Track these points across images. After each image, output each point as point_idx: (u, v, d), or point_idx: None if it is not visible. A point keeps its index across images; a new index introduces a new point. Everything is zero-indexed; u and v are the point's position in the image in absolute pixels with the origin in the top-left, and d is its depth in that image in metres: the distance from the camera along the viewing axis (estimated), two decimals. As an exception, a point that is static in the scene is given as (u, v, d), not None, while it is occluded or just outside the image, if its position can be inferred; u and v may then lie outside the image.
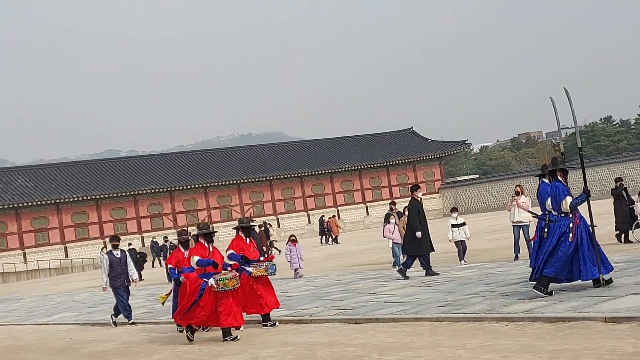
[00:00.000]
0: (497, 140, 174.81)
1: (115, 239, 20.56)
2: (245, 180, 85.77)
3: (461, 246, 23.93)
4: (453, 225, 24.01)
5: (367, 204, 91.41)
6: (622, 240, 23.96)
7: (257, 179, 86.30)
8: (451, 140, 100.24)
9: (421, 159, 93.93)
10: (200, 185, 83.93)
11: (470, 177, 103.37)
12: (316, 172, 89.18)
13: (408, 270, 21.15)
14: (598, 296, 12.99)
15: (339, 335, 13.43)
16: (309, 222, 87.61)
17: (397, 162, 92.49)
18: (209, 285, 14.63)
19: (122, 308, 19.98)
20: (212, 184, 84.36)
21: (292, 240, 27.68)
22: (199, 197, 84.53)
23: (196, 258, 14.89)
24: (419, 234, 21.22)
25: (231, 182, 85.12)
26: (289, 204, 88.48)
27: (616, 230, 24.35)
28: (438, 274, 20.78)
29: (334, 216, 65.09)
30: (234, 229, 16.79)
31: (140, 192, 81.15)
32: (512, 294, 14.80)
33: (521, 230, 22.99)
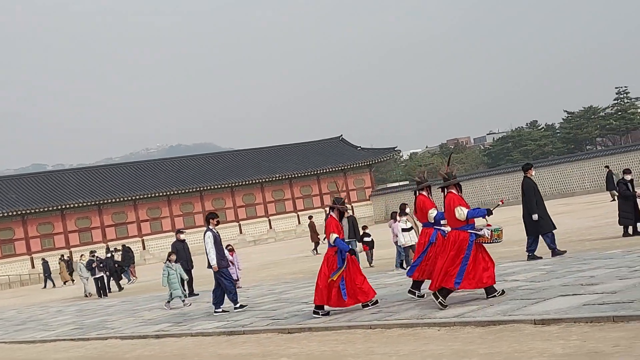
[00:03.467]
0: (426, 147, 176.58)
1: None
2: (175, 192, 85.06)
3: (410, 251, 23.49)
4: (403, 230, 23.67)
5: (299, 213, 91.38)
6: (624, 234, 23.53)
7: (187, 190, 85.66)
8: (381, 148, 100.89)
9: (351, 166, 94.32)
10: (130, 198, 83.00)
11: (401, 183, 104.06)
12: (247, 182, 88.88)
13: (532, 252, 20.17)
14: (527, 299, 13.13)
15: (272, 346, 13.36)
16: (241, 232, 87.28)
17: (327, 170, 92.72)
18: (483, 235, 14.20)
19: None
20: (141, 197, 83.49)
21: (230, 249, 27.46)
22: (128, 210, 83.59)
23: (465, 210, 14.14)
24: (535, 216, 20.33)
25: (161, 194, 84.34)
26: (220, 214, 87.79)
27: (619, 224, 24.01)
28: (565, 251, 19.99)
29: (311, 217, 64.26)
30: (330, 207, 16.45)
31: (68, 206, 79.90)
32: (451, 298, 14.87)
33: None
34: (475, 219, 14.33)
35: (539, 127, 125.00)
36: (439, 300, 13.79)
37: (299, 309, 17.11)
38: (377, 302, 15.62)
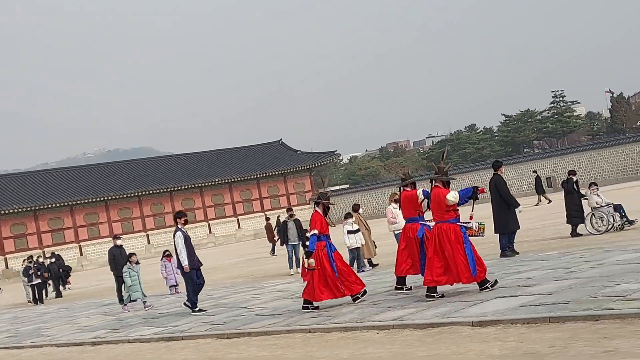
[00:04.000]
0: (366, 150, 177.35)
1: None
2: (113, 197, 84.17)
3: (357, 253, 23.47)
4: (349, 232, 23.54)
5: (239, 217, 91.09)
6: (572, 234, 23.82)
7: (125, 196, 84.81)
8: (321, 152, 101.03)
9: (291, 170, 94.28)
10: (66, 204, 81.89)
11: (341, 187, 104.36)
12: (186, 187, 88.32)
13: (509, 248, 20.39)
14: (465, 301, 13.21)
15: (211, 352, 13.23)
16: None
17: (267, 174, 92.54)
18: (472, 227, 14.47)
19: None
20: (78, 202, 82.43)
21: (167, 255, 27.21)
22: (65, 215, 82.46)
23: (455, 192, 14.42)
24: (520, 208, 20.69)
25: (98, 199, 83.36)
26: (159, 219, 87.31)
27: (568, 224, 24.28)
28: (518, 253, 20.12)
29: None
30: (315, 202, 16.46)
31: (3, 212, 78.52)
32: (382, 302, 14.90)
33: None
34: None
35: (478, 131, 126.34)
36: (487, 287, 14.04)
37: (238, 314, 16.99)
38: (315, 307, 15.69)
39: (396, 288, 16.25)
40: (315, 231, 15.74)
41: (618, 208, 23.52)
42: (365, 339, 11.91)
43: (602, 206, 23.60)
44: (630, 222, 23.33)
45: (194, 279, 18.93)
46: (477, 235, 14.69)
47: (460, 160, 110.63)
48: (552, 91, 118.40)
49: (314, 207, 16.38)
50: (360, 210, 25.35)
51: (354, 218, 24.01)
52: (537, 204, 49.50)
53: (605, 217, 23.39)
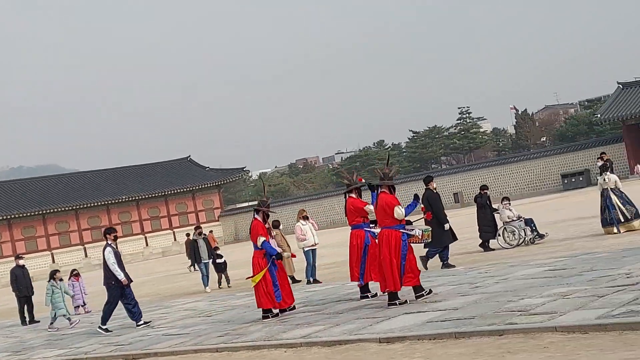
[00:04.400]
0: (275, 167, 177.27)
1: None
2: (16, 216, 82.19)
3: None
4: None
5: (146, 235, 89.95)
6: (485, 248, 24.15)
7: (29, 214, 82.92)
8: (229, 168, 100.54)
9: (200, 187, 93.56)
10: (-32, 222, 79.68)
11: (250, 203, 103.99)
12: (92, 204, 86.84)
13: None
14: (373, 317, 13.24)
15: (115, 373, 12.97)
16: (86, 255, 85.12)
17: (175, 191, 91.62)
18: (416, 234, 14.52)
19: None
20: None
21: (75, 274, 26.65)
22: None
23: (402, 209, 14.46)
24: (447, 225, 20.84)
25: (1, 217, 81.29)
26: (64, 238, 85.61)
27: (480, 238, 24.53)
28: (454, 266, 20.13)
29: (211, 231, 62.63)
30: (255, 209, 16.50)
31: None
32: (290, 319, 14.84)
33: (311, 253, 23.06)
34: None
35: (386, 147, 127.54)
36: (422, 294, 14.32)
37: (145, 334, 16.71)
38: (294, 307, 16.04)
39: (362, 297, 16.20)
40: (264, 238, 15.77)
41: (529, 222, 23.97)
42: (273, 357, 11.84)
43: (513, 220, 24.02)
44: (541, 236, 23.80)
45: (118, 296, 18.60)
46: (421, 242, 14.86)
47: (369, 176, 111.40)
48: (459, 108, 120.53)
49: (254, 215, 16.36)
50: (281, 227, 25.32)
51: (274, 233, 23.93)
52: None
53: (516, 231, 23.81)
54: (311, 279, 22.86)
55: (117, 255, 18.73)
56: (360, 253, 16.02)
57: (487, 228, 24.40)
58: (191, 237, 32.68)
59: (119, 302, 18.69)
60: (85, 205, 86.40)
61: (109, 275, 18.58)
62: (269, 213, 16.54)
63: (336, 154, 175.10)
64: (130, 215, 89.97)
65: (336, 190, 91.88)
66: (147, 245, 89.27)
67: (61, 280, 22.96)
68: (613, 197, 23.09)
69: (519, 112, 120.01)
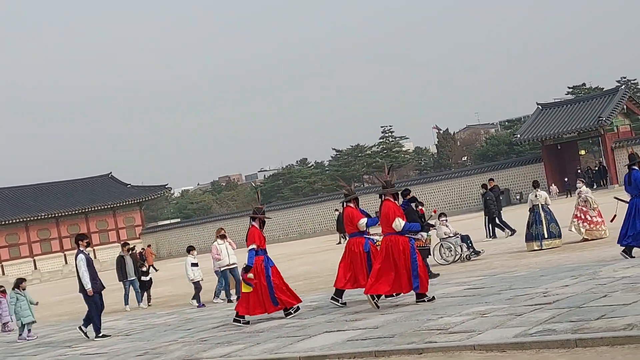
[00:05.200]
0: (198, 184, 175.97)
1: None
2: None
3: (199, 286, 23.12)
4: (192, 264, 23.14)
5: (66, 253, 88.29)
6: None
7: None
8: (151, 185, 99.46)
9: (121, 204, 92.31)
10: None
11: (172, 221, 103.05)
12: (10, 221, 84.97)
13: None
14: (294, 336, 13.21)
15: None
16: (3, 273, 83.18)
17: (96, 208, 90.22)
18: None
19: None
20: None
21: (2, 291, 25.90)
22: None
23: (402, 222, 14.86)
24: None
25: None
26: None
27: None
28: (438, 275, 19.74)
29: (149, 245, 61.44)
30: (251, 217, 16.72)
31: None
32: (210, 338, 14.70)
33: (229, 272, 22.86)
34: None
35: (309, 165, 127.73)
36: (424, 299, 14.63)
37: (62, 353, 16.40)
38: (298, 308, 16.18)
39: (332, 299, 16.40)
40: (254, 245, 15.91)
41: (465, 239, 24.25)
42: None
43: (450, 237, 24.26)
44: (477, 253, 24.09)
45: (97, 303, 18.24)
46: (424, 247, 15.25)
47: (292, 194, 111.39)
48: (382, 127, 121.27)
49: (250, 222, 16.61)
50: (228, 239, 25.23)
51: (196, 251, 23.87)
52: (340, 242, 50.27)
53: (452, 247, 24.06)
54: (226, 298, 22.70)
55: (90, 263, 18.35)
56: (363, 259, 16.16)
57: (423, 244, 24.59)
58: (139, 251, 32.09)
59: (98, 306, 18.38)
60: (2, 222, 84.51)
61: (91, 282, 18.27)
62: (265, 220, 16.88)
63: (259, 171, 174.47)
64: (50, 233, 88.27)
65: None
66: (66, 263, 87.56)
67: (24, 289, 22.19)
68: (542, 213, 23.66)
69: (441, 132, 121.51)
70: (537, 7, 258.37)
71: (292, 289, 16.51)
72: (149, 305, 26.86)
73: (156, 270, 53.77)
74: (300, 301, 16.35)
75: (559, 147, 69.46)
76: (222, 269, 22.81)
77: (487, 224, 32.21)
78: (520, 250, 23.69)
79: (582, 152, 77.58)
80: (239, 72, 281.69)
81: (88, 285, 18.00)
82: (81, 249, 18.45)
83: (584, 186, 25.41)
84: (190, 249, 24.09)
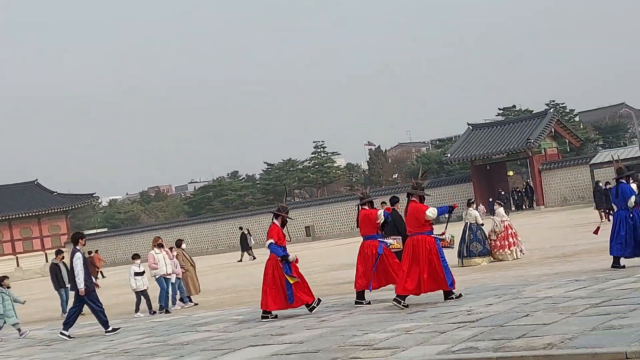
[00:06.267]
0: (127, 194, 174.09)
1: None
2: None
3: (143, 296, 22.68)
4: (136, 274, 22.61)
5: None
6: None
7: None
8: (78, 194, 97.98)
9: (46, 212, 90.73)
10: None
11: (99, 230, 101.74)
12: None
13: None
14: (218, 349, 13.11)
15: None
16: None
17: (20, 215, 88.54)
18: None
19: None
20: None
21: None
22: None
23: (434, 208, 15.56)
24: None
25: None
26: None
27: None
28: None
29: (97, 251, 59.66)
30: (274, 214, 17.07)
31: None
32: (133, 350, 14.51)
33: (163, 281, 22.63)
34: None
35: (240, 178, 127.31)
36: (453, 297, 15.26)
37: (-21, 363, 16.02)
38: (319, 300, 16.56)
39: (356, 302, 16.73)
40: (272, 240, 16.26)
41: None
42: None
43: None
44: None
45: (94, 301, 18.08)
46: (449, 247, 16.00)
47: (222, 207, 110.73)
48: (314, 142, 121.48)
49: (272, 220, 16.92)
50: (183, 246, 24.96)
51: (140, 260, 23.23)
52: (241, 260, 50.33)
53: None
54: (162, 305, 22.42)
55: (85, 262, 18.21)
56: (373, 261, 16.57)
57: None
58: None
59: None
60: None
61: (86, 280, 17.97)
62: (287, 219, 17.13)
63: (189, 183, 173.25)
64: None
65: (189, 220, 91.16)
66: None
67: (9, 287, 21.33)
68: (467, 232, 24.08)
69: (373, 149, 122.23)
70: (467, 29, 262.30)
71: (308, 285, 16.74)
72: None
73: (104, 276, 52.92)
74: (314, 298, 16.49)
75: (488, 168, 70.38)
76: (157, 276, 22.57)
77: None
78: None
79: (511, 173, 78.60)
80: (170, 83, 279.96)
81: (82, 285, 17.79)
82: (78, 247, 18.23)
83: (501, 209, 25.85)
84: (135, 257, 23.46)
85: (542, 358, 9.27)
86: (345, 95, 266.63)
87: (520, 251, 24.73)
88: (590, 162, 64.22)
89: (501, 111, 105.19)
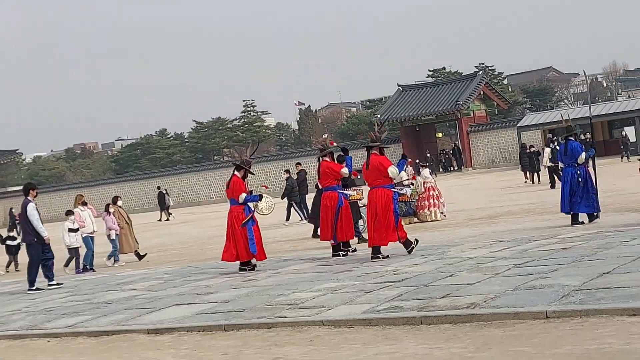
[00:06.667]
0: (52, 150, 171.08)
1: None
2: None
3: (74, 253, 22.33)
4: (70, 230, 22.07)
5: None
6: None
7: None
8: (0, 149, 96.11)
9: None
10: None
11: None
12: None
13: None
14: (143, 308, 12.99)
15: None
16: None
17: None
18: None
19: None
20: None
21: None
22: None
23: (395, 168, 15.75)
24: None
25: None
26: None
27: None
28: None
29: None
30: (236, 166, 16.89)
31: None
32: (56, 308, 14.29)
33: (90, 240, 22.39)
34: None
35: (168, 136, 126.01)
36: (378, 256, 15.44)
37: None
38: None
39: (333, 255, 16.92)
40: (245, 194, 16.26)
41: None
42: (36, 347, 11.40)
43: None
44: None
45: (39, 254, 17.60)
46: (409, 201, 16.57)
47: (150, 165, 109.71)
48: (244, 100, 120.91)
49: (234, 172, 16.71)
50: (120, 203, 24.53)
51: (73, 215, 22.77)
52: (160, 220, 50.33)
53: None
54: (87, 266, 22.16)
55: (38, 212, 17.80)
56: (334, 213, 16.69)
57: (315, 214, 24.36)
58: None
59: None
60: None
61: (31, 233, 17.53)
62: (248, 173, 17.03)
63: (116, 140, 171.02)
64: None
65: (116, 178, 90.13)
66: None
67: None
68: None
69: (303, 108, 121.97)
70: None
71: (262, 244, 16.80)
72: (16, 270, 25.71)
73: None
74: (265, 257, 16.65)
75: (417, 129, 70.93)
76: (84, 235, 22.26)
77: (290, 208, 32.19)
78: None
79: (439, 134, 79.39)
80: (99, 34, 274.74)
81: (45, 233, 17.52)
82: (29, 198, 17.85)
83: (425, 170, 25.99)
84: (68, 213, 22.99)
85: (465, 317, 9.38)
86: (275, 54, 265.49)
87: (442, 213, 24.97)
88: (518, 125, 65.17)
89: (431, 73, 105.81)
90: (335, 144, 18.51)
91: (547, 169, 35.13)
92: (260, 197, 16.59)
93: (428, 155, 65.67)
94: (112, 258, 23.51)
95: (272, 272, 15.60)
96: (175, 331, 10.96)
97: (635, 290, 9.35)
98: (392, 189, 15.74)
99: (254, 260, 16.38)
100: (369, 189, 15.93)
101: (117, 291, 15.67)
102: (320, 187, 18.26)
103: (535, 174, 39.96)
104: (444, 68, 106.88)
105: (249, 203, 16.27)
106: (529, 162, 40.44)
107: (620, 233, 14.95)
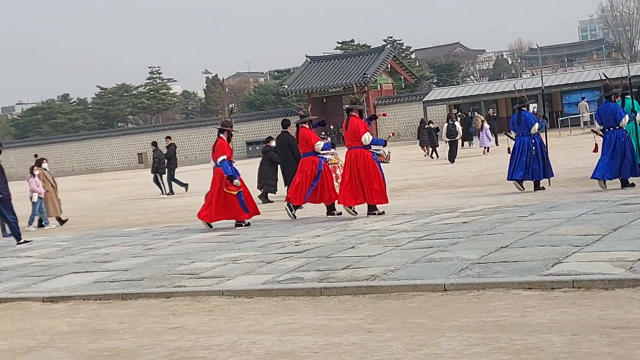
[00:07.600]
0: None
1: None
2: None
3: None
4: None
5: None
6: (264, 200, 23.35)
7: None
8: None
9: None
10: None
11: None
12: None
13: None
14: (38, 276, 12.71)
15: None
16: None
17: None
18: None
19: None
20: None
21: None
22: None
23: (370, 136, 16.10)
24: None
25: None
26: None
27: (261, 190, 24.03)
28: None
29: None
30: (220, 129, 17.26)
31: None
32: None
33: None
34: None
35: (71, 101, 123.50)
36: (377, 212, 16.11)
37: None
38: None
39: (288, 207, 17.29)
40: (225, 157, 16.40)
41: None
42: None
43: None
44: None
45: (10, 211, 17.65)
46: (385, 162, 16.46)
47: (51, 130, 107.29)
48: (149, 67, 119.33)
49: (218, 134, 17.07)
50: (45, 165, 23.73)
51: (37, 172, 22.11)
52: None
53: None
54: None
55: (2, 170, 17.59)
56: (312, 178, 16.86)
57: (270, 181, 24.24)
58: None
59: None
60: None
61: None
62: (232, 133, 17.40)
63: (17, 104, 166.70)
64: None
65: (15, 142, 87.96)
66: None
67: None
68: None
69: (210, 77, 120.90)
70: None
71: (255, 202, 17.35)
72: None
73: None
74: (259, 213, 17.14)
75: (324, 101, 71.05)
76: (34, 200, 21.94)
77: (157, 180, 32.08)
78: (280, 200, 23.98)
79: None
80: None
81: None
82: None
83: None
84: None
85: (365, 289, 9.41)
86: (182, 21, 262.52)
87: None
88: (424, 99, 65.91)
89: (340, 45, 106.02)
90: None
91: (447, 144, 35.80)
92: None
93: (332, 127, 65.63)
94: (35, 222, 22.90)
95: (173, 241, 15.45)
96: (71, 299, 10.74)
97: (530, 264, 9.52)
98: (370, 149, 16.15)
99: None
100: (347, 149, 16.36)
101: (12, 258, 15.31)
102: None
103: (434, 150, 40.81)
104: (352, 40, 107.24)
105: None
106: (428, 137, 41.37)
107: (519, 208, 15.22)
